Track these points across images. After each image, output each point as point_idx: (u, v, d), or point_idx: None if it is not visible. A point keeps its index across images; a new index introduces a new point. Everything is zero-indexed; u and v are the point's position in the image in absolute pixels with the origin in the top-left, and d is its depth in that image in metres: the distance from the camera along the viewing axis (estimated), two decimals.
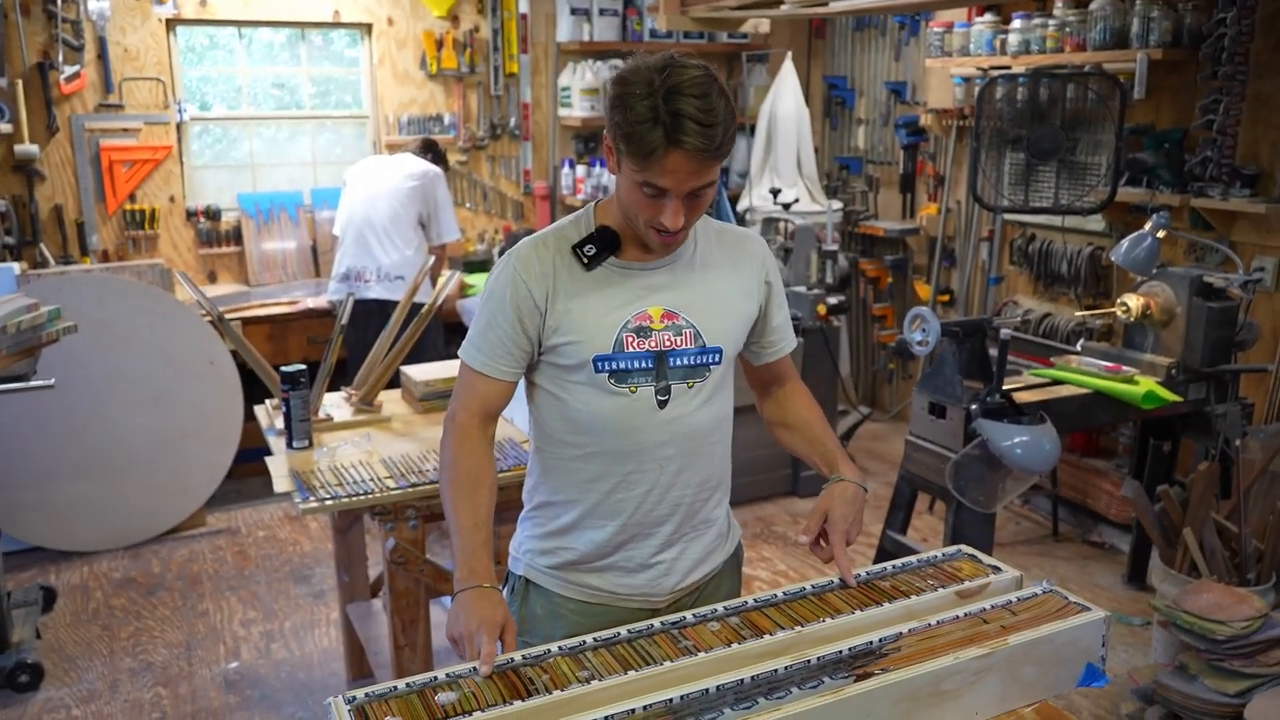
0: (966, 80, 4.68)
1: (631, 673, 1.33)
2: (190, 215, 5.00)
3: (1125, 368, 3.21)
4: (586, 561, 1.63)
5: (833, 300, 4.48)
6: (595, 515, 1.61)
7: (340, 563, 3.12)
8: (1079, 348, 3.49)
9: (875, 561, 3.43)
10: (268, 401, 2.94)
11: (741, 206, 5.28)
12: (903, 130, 5.20)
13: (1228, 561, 2.62)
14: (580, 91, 5.48)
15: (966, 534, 2.94)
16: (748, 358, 1.76)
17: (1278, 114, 3.53)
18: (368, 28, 5.28)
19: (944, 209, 5.07)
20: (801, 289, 4.48)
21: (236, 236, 5.09)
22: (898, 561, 1.67)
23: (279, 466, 2.53)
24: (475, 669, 1.35)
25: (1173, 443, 3.54)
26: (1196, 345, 3.18)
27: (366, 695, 1.29)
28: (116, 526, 4.04)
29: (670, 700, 1.25)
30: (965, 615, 1.47)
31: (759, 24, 5.66)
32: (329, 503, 2.32)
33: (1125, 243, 3.23)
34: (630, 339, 1.53)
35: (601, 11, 5.54)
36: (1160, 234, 3.17)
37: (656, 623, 1.47)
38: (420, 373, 3.02)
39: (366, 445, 2.66)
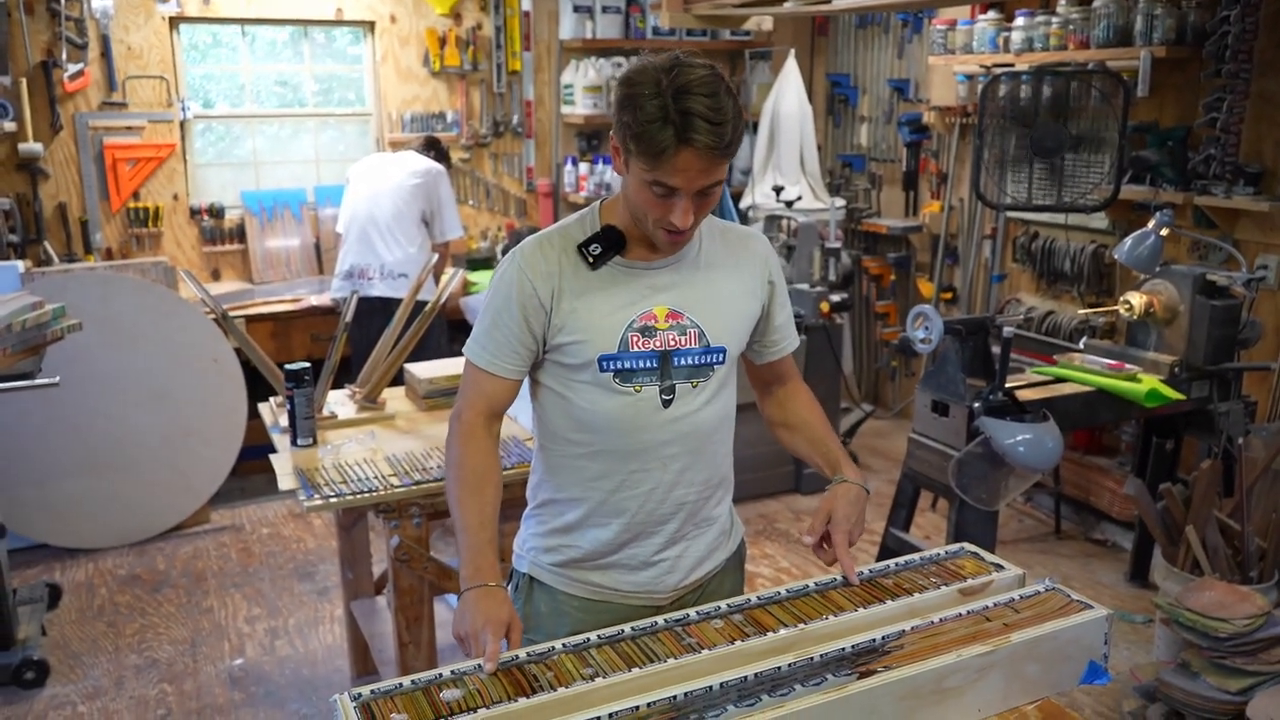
0: (970, 78, 4.68)
1: (635, 670, 1.34)
2: (194, 213, 5.01)
3: (1128, 366, 3.21)
4: (590, 559, 1.64)
5: (835, 298, 4.48)
6: (599, 513, 1.61)
7: (344, 560, 3.13)
8: (1082, 346, 3.49)
9: (878, 559, 3.43)
10: (272, 399, 2.95)
11: (744, 204, 5.28)
12: (906, 128, 5.20)
13: (1230, 559, 2.62)
14: (583, 89, 5.48)
15: (969, 532, 2.94)
16: (750, 356, 1.76)
17: None
18: (370, 25, 5.28)
19: (947, 207, 5.06)
20: (804, 286, 4.48)
21: (240, 234, 5.10)
22: (900, 559, 1.67)
23: (283, 464, 2.54)
24: (480, 666, 1.35)
25: (1175, 441, 3.54)
26: (1199, 343, 3.18)
27: (372, 692, 1.30)
28: (121, 524, 4.06)
29: (674, 697, 1.26)
30: (968, 613, 1.48)
31: (762, 21, 5.66)
32: (333, 500, 2.33)
33: (1128, 241, 3.23)
34: (635, 338, 1.54)
35: (604, 9, 5.54)
36: (1163, 232, 3.17)
37: (660, 620, 1.48)
38: (424, 370, 3.02)
39: (370, 443, 2.67)
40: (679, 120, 1.37)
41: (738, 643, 1.41)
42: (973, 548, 1.72)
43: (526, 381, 1.66)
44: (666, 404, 1.56)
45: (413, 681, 1.32)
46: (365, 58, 5.38)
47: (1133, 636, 3.29)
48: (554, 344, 1.56)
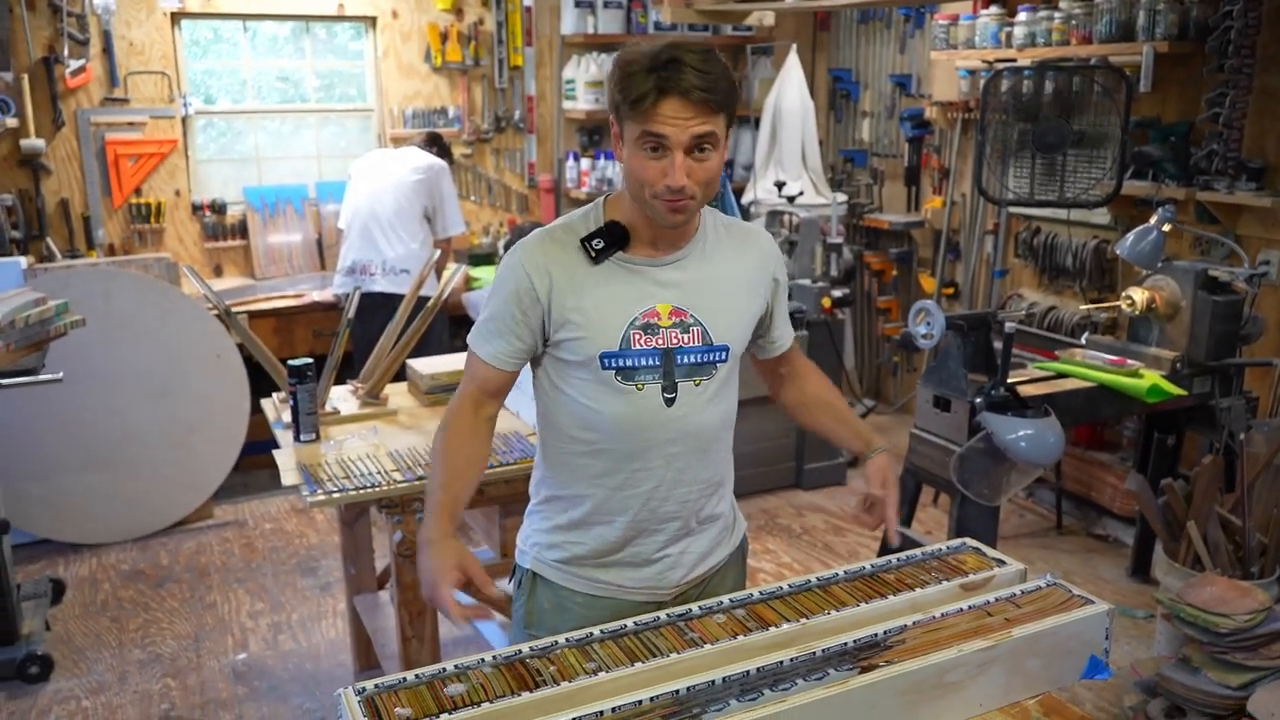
0: (972, 73, 4.68)
1: (638, 664, 1.35)
2: (196, 209, 5.01)
3: (1130, 361, 3.21)
4: (594, 556, 1.64)
5: (837, 293, 4.49)
6: (602, 511, 1.61)
7: (347, 555, 3.14)
8: (1084, 341, 3.49)
9: (879, 554, 3.44)
10: (274, 395, 2.95)
11: (746, 199, 5.28)
12: (908, 123, 5.19)
13: (1231, 555, 2.62)
14: (585, 84, 5.48)
15: (971, 527, 2.94)
16: (753, 352, 1.77)
17: None
18: (372, 21, 5.28)
19: (949, 202, 5.06)
20: (806, 282, 4.48)
21: (242, 230, 5.10)
22: (902, 554, 1.68)
23: (286, 459, 2.55)
24: (483, 660, 1.36)
25: (1177, 436, 3.54)
26: (1201, 339, 3.18)
27: (376, 686, 1.31)
28: (124, 519, 4.07)
29: (677, 692, 1.27)
30: (969, 608, 1.49)
31: (764, 17, 5.65)
32: (336, 495, 2.34)
33: (1130, 236, 3.23)
34: (638, 336, 1.53)
35: (606, 4, 5.54)
36: (1165, 227, 3.17)
37: (663, 615, 1.48)
38: (426, 366, 3.03)
39: (373, 438, 2.68)
40: (664, 67, 1.40)
41: (740, 637, 1.41)
42: (974, 543, 1.72)
43: (529, 377, 1.66)
44: (669, 402, 1.56)
45: (416, 676, 1.32)
46: (367, 53, 5.38)
47: (1134, 631, 3.30)
48: (554, 339, 1.56)
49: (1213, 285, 3.17)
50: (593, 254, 1.53)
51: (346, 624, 3.28)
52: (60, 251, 4.62)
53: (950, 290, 5.10)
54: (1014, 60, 4.21)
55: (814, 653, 1.35)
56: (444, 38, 5.37)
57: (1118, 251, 3.30)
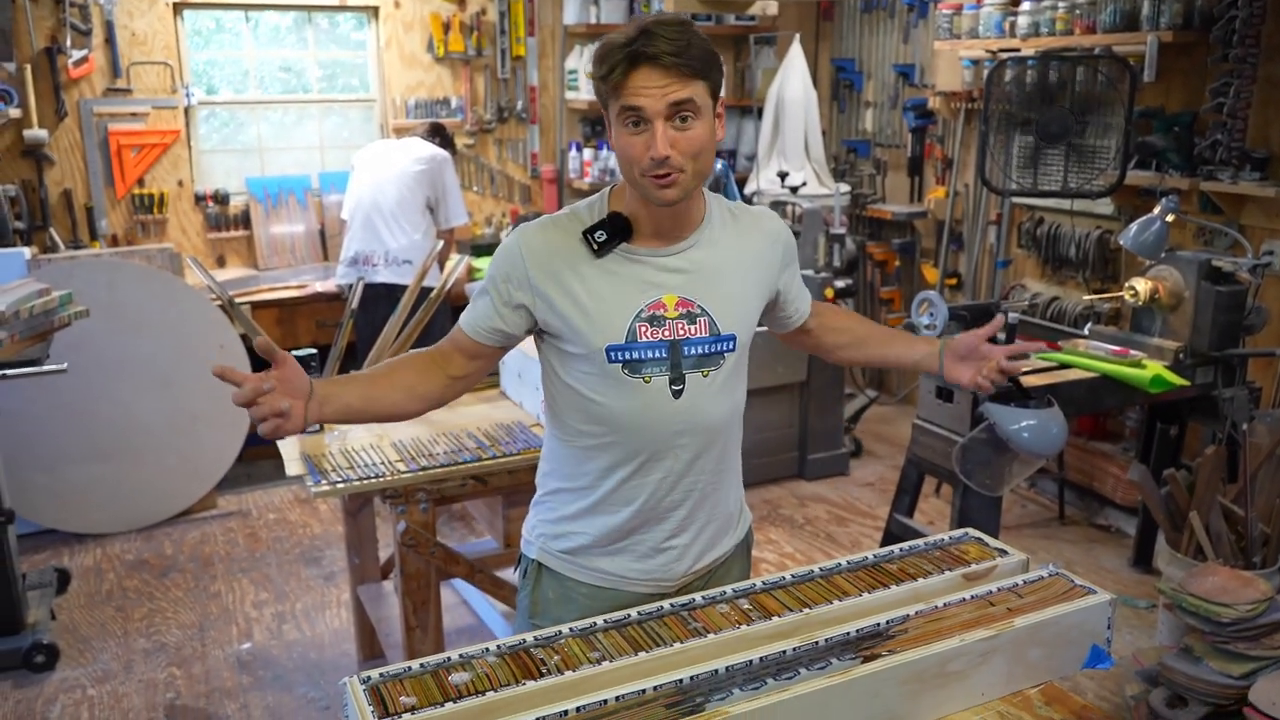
0: (975, 63, 4.67)
1: (642, 654, 1.35)
2: (199, 199, 5.01)
3: (1133, 352, 3.21)
4: (599, 545, 1.63)
5: (840, 283, 4.48)
6: (609, 502, 1.61)
7: (351, 545, 3.15)
8: (1087, 331, 3.49)
9: (882, 544, 3.45)
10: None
11: (749, 190, 5.27)
12: (911, 113, 5.18)
13: (1234, 545, 2.62)
14: (587, 74, 5.45)
15: (973, 517, 2.95)
16: (773, 328, 1.77)
17: None
18: (374, 10, 5.27)
19: (952, 192, 5.05)
20: (809, 272, 4.48)
21: (245, 220, 5.10)
22: (905, 544, 1.68)
23: (290, 450, 2.55)
24: (487, 649, 1.36)
25: (1180, 427, 3.54)
26: (1204, 329, 3.18)
27: (381, 675, 1.31)
28: (129, 509, 4.08)
29: (680, 681, 1.27)
30: (972, 598, 1.49)
31: (767, 6, 5.64)
32: (340, 486, 2.34)
33: (1134, 226, 3.23)
34: (643, 328, 1.52)
35: None
36: (1169, 218, 3.17)
37: (666, 605, 1.49)
38: None
39: (377, 429, 2.68)
40: (635, 40, 1.40)
41: (743, 627, 1.41)
42: (977, 533, 1.72)
43: (534, 368, 1.66)
44: (677, 394, 1.54)
45: (421, 665, 1.33)
46: (369, 43, 5.37)
47: (1135, 621, 3.31)
48: (553, 330, 1.55)
49: (1216, 275, 3.17)
50: (595, 246, 1.52)
51: (350, 613, 3.29)
52: (63, 242, 4.63)
53: (953, 281, 5.10)
54: (1018, 50, 4.20)
55: (817, 642, 1.35)
56: (446, 28, 5.36)
57: (1121, 242, 3.29)
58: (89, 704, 2.99)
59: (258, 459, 4.54)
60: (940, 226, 5.15)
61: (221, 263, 5.10)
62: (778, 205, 4.81)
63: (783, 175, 4.86)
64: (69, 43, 4.58)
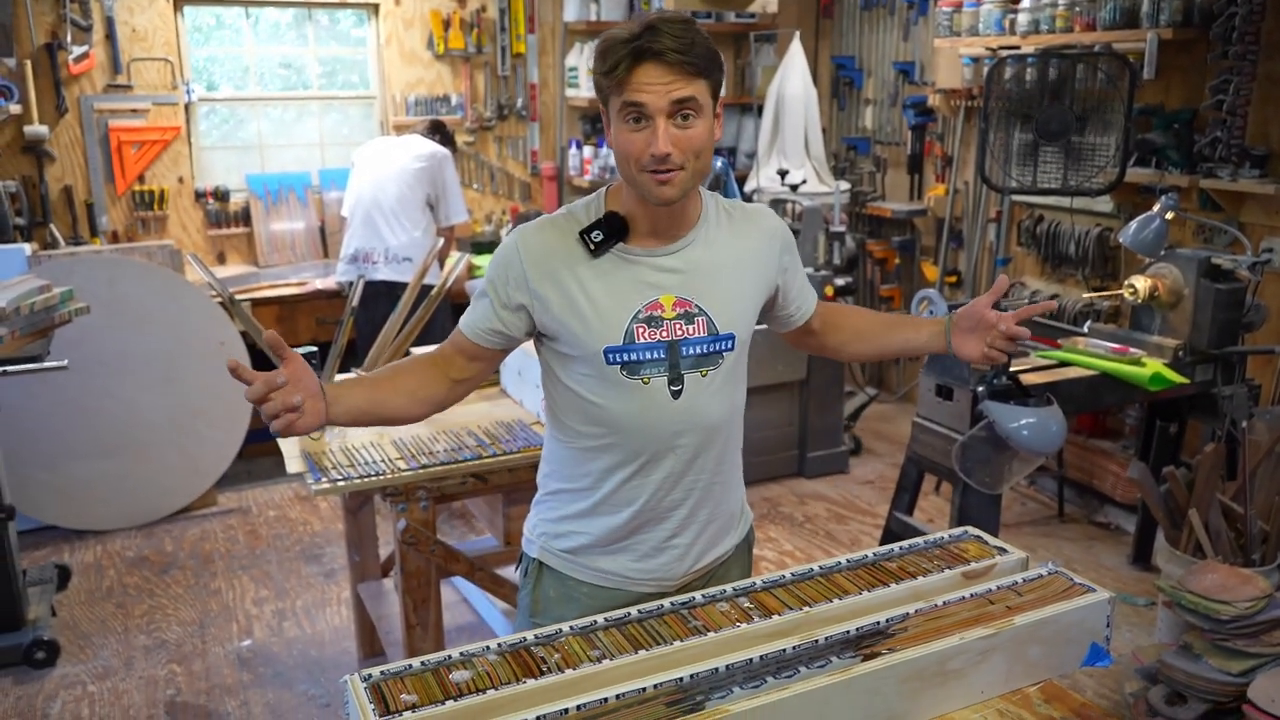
0: (975, 60, 4.66)
1: (642, 652, 1.35)
2: (199, 196, 5.02)
3: (1132, 349, 3.21)
4: (600, 544, 1.63)
5: (840, 281, 4.49)
6: (610, 502, 1.61)
7: (351, 542, 3.15)
8: (1086, 329, 3.49)
9: (882, 543, 3.45)
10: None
11: (749, 187, 5.27)
12: (911, 111, 5.18)
13: (1233, 542, 2.63)
14: (588, 72, 5.43)
15: (973, 515, 2.95)
16: (774, 328, 1.77)
17: None
18: (374, 7, 5.27)
19: (952, 190, 5.05)
20: (809, 270, 4.47)
21: (245, 217, 5.10)
22: (904, 543, 1.68)
23: (291, 447, 2.56)
24: (488, 647, 1.36)
25: (1179, 424, 3.54)
26: (1204, 327, 3.18)
27: (382, 673, 1.31)
28: (129, 506, 4.08)
29: (680, 679, 1.27)
30: (971, 596, 1.49)
31: (767, 3, 5.64)
32: (341, 484, 2.35)
33: (1133, 224, 3.23)
34: (641, 329, 1.52)
35: None
36: (1169, 215, 3.17)
37: (666, 603, 1.49)
38: None
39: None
40: (639, 36, 1.40)
41: (743, 625, 1.42)
42: (976, 531, 1.73)
43: (535, 366, 1.66)
44: (676, 395, 1.54)
45: (422, 663, 1.33)
46: (369, 40, 5.37)
47: (1135, 619, 3.31)
48: (551, 332, 1.55)
49: (1215, 273, 3.17)
50: (591, 246, 1.52)
51: (350, 611, 3.29)
52: (64, 238, 4.63)
53: (953, 278, 5.10)
54: (1018, 47, 4.20)
55: (816, 640, 1.36)
56: (446, 25, 5.36)
57: (1121, 239, 3.29)
58: (89, 700, 3.00)
59: (258, 456, 4.55)
60: (940, 224, 5.15)
61: (222, 259, 5.10)
62: (777, 203, 4.81)
63: (783, 173, 4.85)
64: (69, 39, 4.58)
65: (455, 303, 4.60)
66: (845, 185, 5.31)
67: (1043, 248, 4.49)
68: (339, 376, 2.96)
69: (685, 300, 1.54)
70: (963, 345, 1.68)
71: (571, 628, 1.42)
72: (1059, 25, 4.07)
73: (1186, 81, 3.84)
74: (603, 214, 1.55)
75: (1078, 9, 4.00)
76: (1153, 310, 3.31)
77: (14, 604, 3.17)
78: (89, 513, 4.02)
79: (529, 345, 1.64)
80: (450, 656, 1.35)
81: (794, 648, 1.34)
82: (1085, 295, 4.09)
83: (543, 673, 1.31)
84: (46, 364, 3.04)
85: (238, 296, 3.43)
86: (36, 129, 4.53)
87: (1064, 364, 3.21)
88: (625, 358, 1.52)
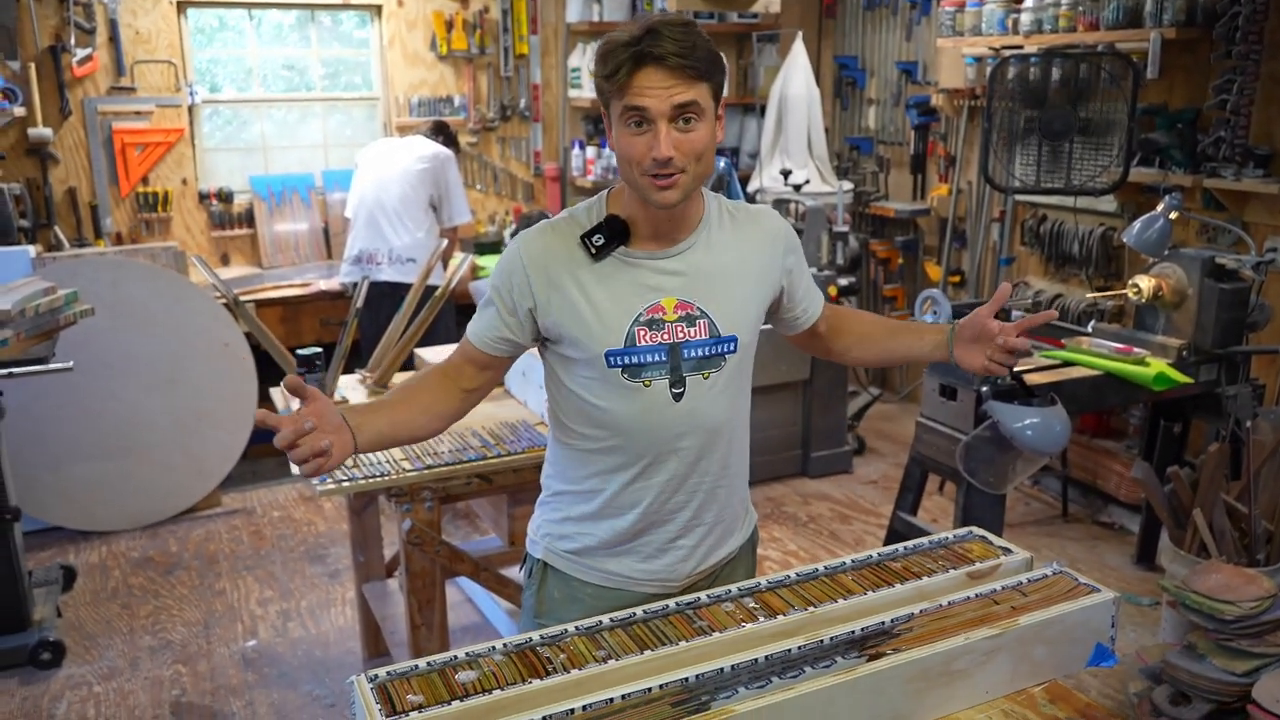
0: (978, 60, 4.66)
1: (648, 652, 1.36)
2: (202, 198, 5.02)
3: (1136, 349, 3.21)
4: (605, 546, 1.64)
5: (843, 281, 4.49)
6: (614, 505, 1.61)
7: (356, 543, 3.15)
8: (1090, 329, 3.49)
9: (886, 543, 3.45)
10: (283, 382, 2.96)
11: (752, 187, 5.27)
12: (914, 110, 5.18)
13: (1237, 542, 2.63)
14: (590, 72, 5.42)
15: (977, 515, 2.95)
16: (780, 330, 1.77)
17: None
18: (377, 9, 5.28)
19: (955, 190, 5.05)
20: (812, 270, 4.47)
21: (248, 219, 5.11)
22: (909, 543, 1.69)
23: None
24: (494, 648, 1.37)
25: (1183, 424, 3.54)
26: (1208, 327, 3.18)
27: (388, 674, 1.32)
28: (134, 506, 4.09)
29: (686, 679, 1.28)
30: (976, 596, 1.49)
31: (769, 3, 5.63)
32: (346, 484, 2.35)
33: (1137, 224, 3.23)
34: (642, 332, 1.52)
35: None
36: (1172, 215, 3.17)
37: (671, 603, 1.49)
38: (434, 355, 3.04)
39: None
40: (640, 40, 1.40)
41: (748, 625, 1.42)
42: (981, 531, 1.73)
43: (538, 367, 1.67)
44: (677, 397, 1.54)
45: (428, 663, 1.34)
46: (372, 41, 5.38)
47: (1139, 619, 3.31)
48: (554, 336, 1.55)
49: (1219, 273, 3.17)
50: (593, 250, 1.52)
51: (355, 611, 3.30)
52: (68, 240, 4.64)
53: (956, 278, 5.10)
54: (1021, 47, 4.20)
55: (821, 641, 1.36)
56: (449, 26, 5.36)
57: (1124, 239, 3.29)
58: (95, 701, 3.00)
59: (262, 457, 4.55)
60: (943, 224, 5.15)
61: (225, 261, 5.11)
62: (780, 203, 4.81)
63: (786, 173, 4.85)
64: (73, 41, 4.59)
65: (459, 303, 4.61)
66: (848, 185, 5.31)
67: (1046, 247, 4.49)
68: (344, 378, 2.97)
69: (687, 303, 1.54)
70: (964, 355, 1.68)
71: (577, 628, 1.43)
72: (1062, 25, 4.06)
73: (1190, 81, 3.84)
74: (604, 217, 1.55)
75: (1081, 9, 3.99)
76: (1157, 310, 3.31)
77: (19, 605, 3.18)
78: (94, 514, 4.03)
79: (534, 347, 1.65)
80: (456, 657, 1.35)
81: (799, 648, 1.34)
82: (1089, 295, 4.09)
83: (548, 673, 1.31)
84: (51, 366, 3.04)
85: (242, 298, 3.44)
86: (41, 131, 4.54)
87: (1068, 364, 3.20)
88: (626, 360, 1.52)
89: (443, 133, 4.51)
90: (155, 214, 4.90)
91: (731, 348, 1.57)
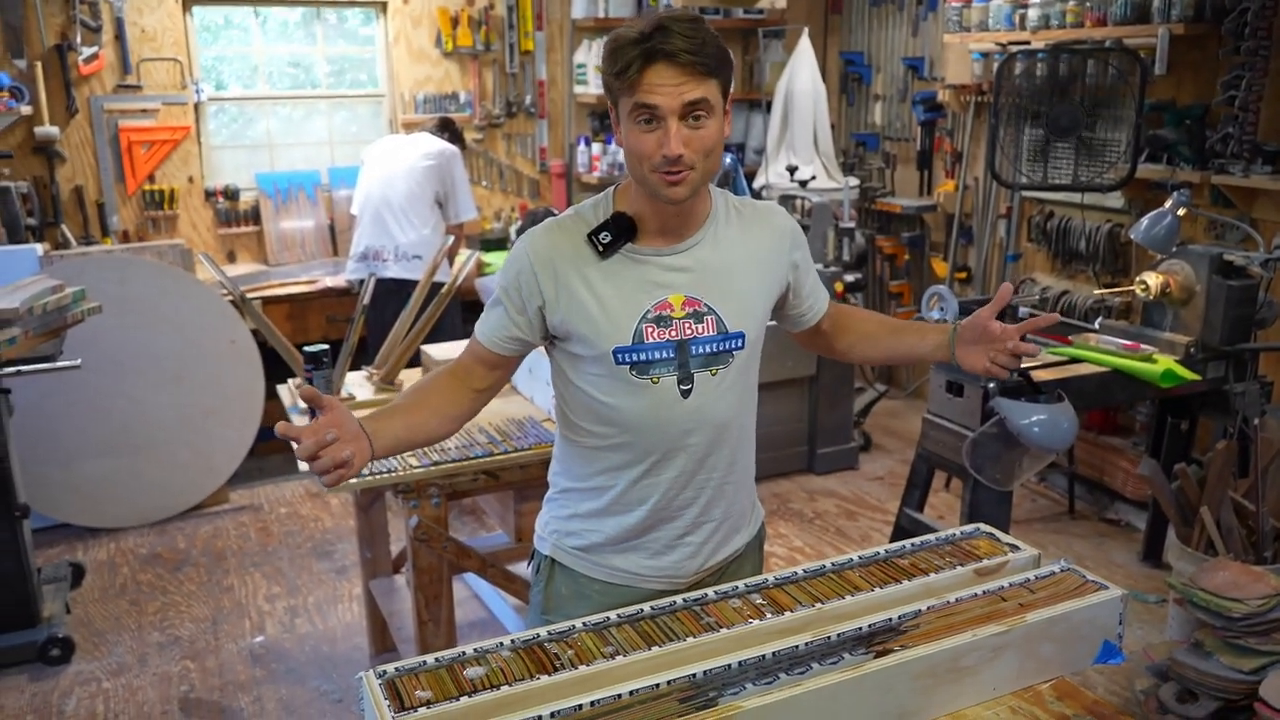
0: (985, 56, 4.65)
1: (655, 648, 1.36)
2: (209, 195, 5.03)
3: (1144, 346, 3.20)
4: (613, 543, 1.64)
5: (849, 278, 4.48)
6: (622, 502, 1.61)
7: (363, 539, 3.16)
8: (1097, 326, 3.48)
9: (892, 539, 3.45)
10: (290, 380, 2.97)
11: (758, 184, 5.27)
12: (920, 106, 5.17)
13: (1244, 540, 2.62)
14: (595, 68, 5.46)
15: (984, 512, 2.95)
16: (786, 326, 1.77)
17: None
18: (383, 5, 5.28)
19: (961, 186, 5.04)
20: (818, 267, 4.46)
21: (255, 216, 5.12)
22: (916, 539, 1.69)
23: None
24: (502, 644, 1.37)
25: (1190, 421, 3.53)
26: (1216, 324, 3.17)
27: (396, 670, 1.32)
28: (142, 503, 4.11)
29: (693, 675, 1.28)
30: (983, 593, 1.49)
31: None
32: (352, 480, 2.35)
33: (1145, 220, 3.22)
34: (650, 329, 1.52)
35: None
36: (1180, 212, 3.16)
37: (679, 600, 1.49)
38: (440, 352, 3.04)
39: None
40: (649, 37, 1.39)
41: (755, 622, 1.42)
42: (988, 528, 1.73)
43: (546, 364, 1.67)
44: (685, 394, 1.54)
45: (436, 659, 1.34)
46: (377, 38, 5.38)
47: (1146, 616, 3.31)
48: (562, 334, 1.55)
49: (1227, 270, 3.16)
50: (600, 248, 1.52)
51: (362, 607, 3.31)
52: (75, 238, 4.65)
53: (963, 275, 5.09)
54: (1028, 43, 4.19)
55: (829, 637, 1.36)
56: (455, 22, 5.36)
57: (1132, 236, 3.28)
58: (104, 697, 3.02)
59: (269, 453, 4.57)
60: (950, 220, 5.14)
61: (232, 258, 5.12)
62: (787, 199, 4.81)
63: (792, 169, 4.85)
64: (79, 40, 4.59)
65: (465, 300, 4.62)
66: (854, 181, 5.30)
67: (1053, 244, 4.48)
68: (350, 374, 2.98)
69: (694, 299, 1.55)
70: (966, 356, 1.67)
71: (585, 624, 1.43)
72: (1069, 20, 4.05)
73: (1198, 77, 3.83)
74: (611, 214, 1.55)
75: (1088, 4, 3.98)
76: (1164, 307, 3.30)
77: (29, 602, 3.19)
78: (102, 510, 4.05)
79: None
80: (464, 653, 1.36)
81: (806, 644, 1.35)
82: (1096, 291, 4.09)
83: (556, 669, 1.32)
84: (59, 363, 3.06)
85: (248, 295, 3.45)
86: (47, 130, 4.55)
87: (1075, 360, 3.20)
88: (634, 357, 1.52)
89: (448, 129, 4.51)
90: (162, 212, 4.91)
91: (739, 344, 1.57)
